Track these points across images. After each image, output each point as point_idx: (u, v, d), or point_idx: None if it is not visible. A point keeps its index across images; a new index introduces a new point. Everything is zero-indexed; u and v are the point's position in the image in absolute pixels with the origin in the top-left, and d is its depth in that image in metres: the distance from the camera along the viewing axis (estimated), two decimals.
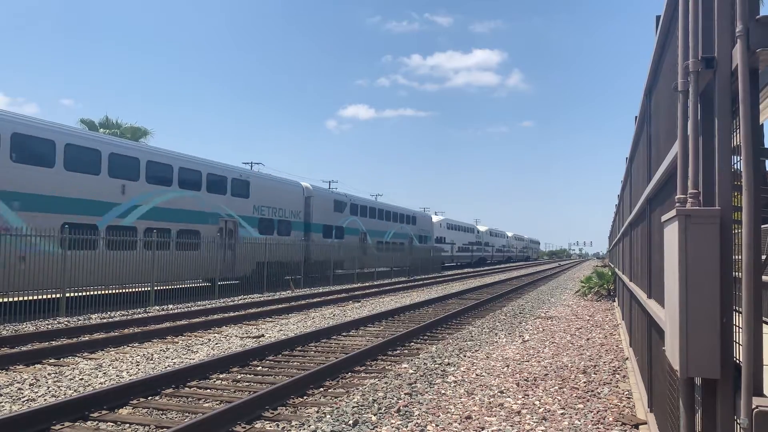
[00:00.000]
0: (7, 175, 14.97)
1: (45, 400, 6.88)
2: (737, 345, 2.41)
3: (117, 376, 8.25)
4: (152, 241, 18.12)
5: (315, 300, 20.16)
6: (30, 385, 7.57)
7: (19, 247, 14.45)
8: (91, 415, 6.25)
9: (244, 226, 24.39)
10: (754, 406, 2.15)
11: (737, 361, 2.39)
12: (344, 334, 12.63)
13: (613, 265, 21.79)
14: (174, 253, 19.41)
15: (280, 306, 17.64)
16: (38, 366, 9.01)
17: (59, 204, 16.40)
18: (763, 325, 2.36)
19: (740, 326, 2.32)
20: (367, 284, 29.10)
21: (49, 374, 8.21)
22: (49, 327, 12.84)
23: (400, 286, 27.98)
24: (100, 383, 7.75)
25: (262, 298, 20.64)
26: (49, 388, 7.45)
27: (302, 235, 29.17)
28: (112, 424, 6.03)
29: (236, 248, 23.14)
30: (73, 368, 8.66)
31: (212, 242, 21.44)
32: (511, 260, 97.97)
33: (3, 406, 6.59)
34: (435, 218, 56.80)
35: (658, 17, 4.60)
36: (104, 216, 17.78)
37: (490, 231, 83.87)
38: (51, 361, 9.36)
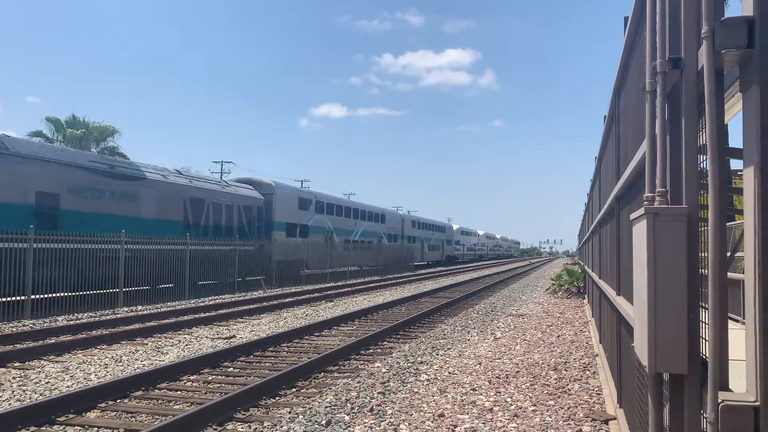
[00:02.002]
0: (334, 223, 36.94)
1: (9, 404, 6.73)
2: (704, 341, 2.45)
3: (85, 379, 8.09)
4: (374, 245, 43.74)
5: (287, 300, 20.05)
6: None
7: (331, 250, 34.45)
8: (58, 419, 6.12)
9: (383, 238, 47.05)
10: (720, 401, 2.19)
11: (704, 357, 2.43)
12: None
13: (582, 263, 22.07)
14: (362, 251, 40.29)
15: (251, 306, 17.52)
16: (2, 370, 8.79)
17: (342, 231, 38.42)
18: (729, 321, 2.41)
19: (707, 322, 2.37)
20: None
21: (13, 378, 8.02)
22: (14, 330, 12.55)
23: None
24: (67, 386, 7.60)
25: (233, 299, 20.46)
26: (13, 392, 7.28)
27: (401, 242, 51.87)
28: (79, 428, 5.91)
29: (381, 250, 43.89)
30: (39, 371, 8.47)
31: (375, 246, 43.50)
32: (500, 257, 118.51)
33: None
34: (454, 226, 77.66)
35: (626, 18, 4.67)
36: (350, 235, 40.01)
37: (486, 234, 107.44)
38: (16, 364, 9.14)
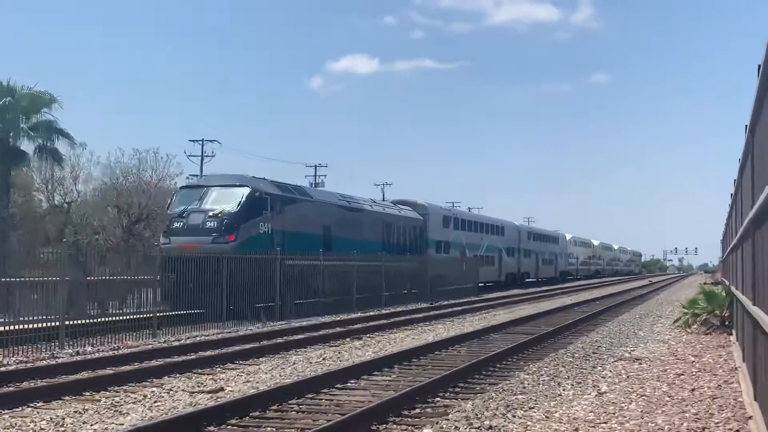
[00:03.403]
0: (466, 239, 56.89)
1: None
2: None
3: None
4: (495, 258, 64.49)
5: (298, 336, 20.14)
6: None
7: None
8: None
9: (503, 252, 64.65)
10: None
11: None
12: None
13: (728, 282, 21.68)
14: (484, 267, 56.00)
15: (245, 346, 17.70)
16: None
17: (472, 247, 57.41)
18: None
19: None
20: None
21: None
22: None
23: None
24: None
25: (220, 335, 20.70)
26: None
27: (517, 256, 69.83)
28: None
29: (501, 263, 63.79)
30: None
31: (496, 259, 63.55)
32: (618, 274, 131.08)
33: None
34: (567, 236, 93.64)
35: None
36: (477, 250, 57.75)
37: (602, 245, 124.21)
38: None
